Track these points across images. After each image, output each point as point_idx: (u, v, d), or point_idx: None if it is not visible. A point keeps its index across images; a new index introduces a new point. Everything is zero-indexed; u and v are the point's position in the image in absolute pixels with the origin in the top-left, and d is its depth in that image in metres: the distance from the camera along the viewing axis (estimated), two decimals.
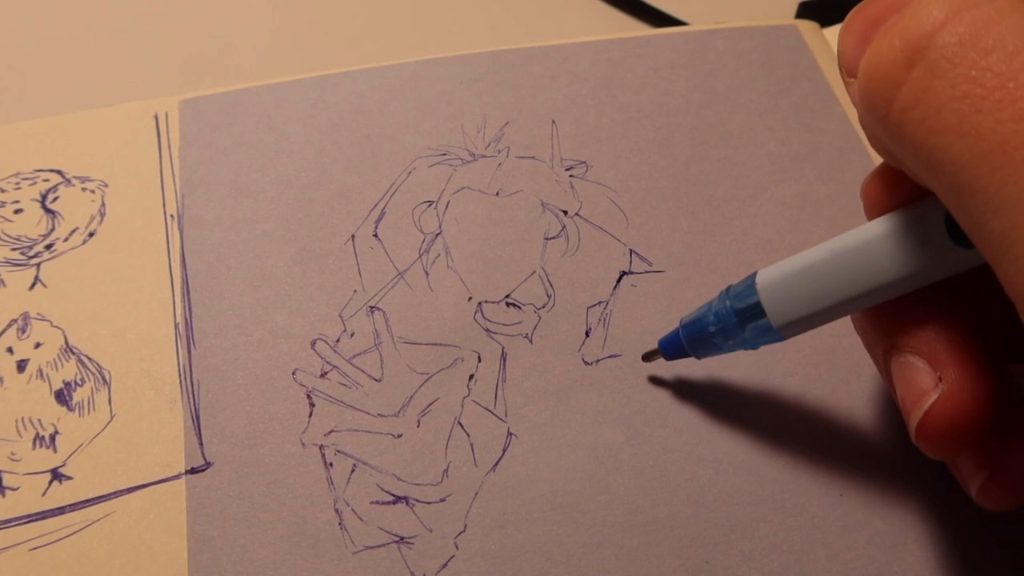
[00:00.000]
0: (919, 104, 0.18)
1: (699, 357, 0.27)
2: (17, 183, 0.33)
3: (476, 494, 0.27)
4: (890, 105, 0.19)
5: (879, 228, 0.22)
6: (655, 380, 0.29)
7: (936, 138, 0.18)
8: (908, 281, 0.22)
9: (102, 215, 0.32)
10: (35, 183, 0.33)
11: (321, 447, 0.28)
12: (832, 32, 0.38)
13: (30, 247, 0.32)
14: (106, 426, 0.28)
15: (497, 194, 0.33)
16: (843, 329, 0.29)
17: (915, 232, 0.21)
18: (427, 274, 0.31)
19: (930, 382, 0.22)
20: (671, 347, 0.27)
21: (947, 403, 0.21)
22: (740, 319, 0.25)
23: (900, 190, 0.22)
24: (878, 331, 0.24)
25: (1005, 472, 0.22)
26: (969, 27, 0.18)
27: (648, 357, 0.29)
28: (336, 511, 0.26)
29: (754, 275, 0.24)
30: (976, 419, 0.21)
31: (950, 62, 0.18)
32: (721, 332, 0.25)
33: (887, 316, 0.23)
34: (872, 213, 0.23)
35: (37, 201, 0.33)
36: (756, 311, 0.24)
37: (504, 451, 0.28)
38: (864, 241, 0.22)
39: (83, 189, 0.33)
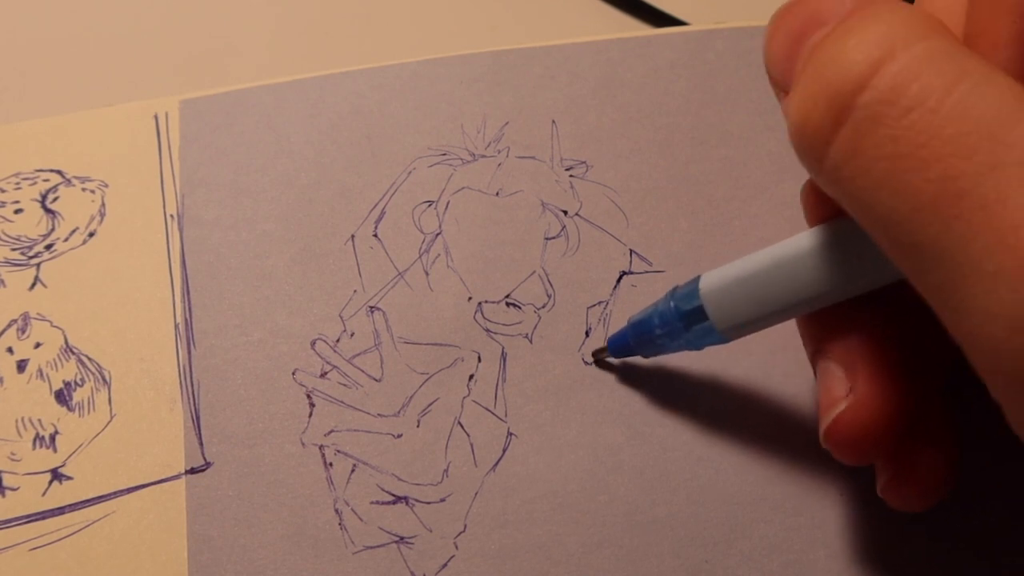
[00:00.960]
0: (848, 163, 0.18)
1: (646, 356, 0.27)
2: (17, 183, 0.33)
3: (476, 494, 0.27)
4: (822, 160, 0.19)
5: (818, 238, 0.22)
6: (646, 378, 0.29)
7: (868, 196, 0.18)
8: (843, 291, 0.22)
9: (102, 215, 0.32)
10: (35, 183, 0.33)
11: (321, 447, 0.28)
12: None
13: (30, 247, 0.32)
14: (106, 426, 0.28)
15: (497, 194, 0.33)
16: None
17: (851, 243, 0.21)
18: (427, 274, 0.31)
19: (842, 390, 0.22)
20: (619, 346, 0.28)
21: (853, 413, 0.22)
22: (684, 321, 0.25)
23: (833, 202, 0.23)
24: (808, 334, 0.25)
25: (911, 474, 0.23)
26: (890, 81, 0.17)
27: (597, 355, 0.29)
28: (336, 511, 0.27)
29: (698, 278, 0.25)
30: (880, 430, 0.22)
31: (874, 122, 0.18)
32: (666, 334, 0.26)
33: (816, 321, 0.24)
34: (811, 219, 0.24)
35: (37, 201, 0.33)
36: (700, 314, 0.24)
37: (504, 451, 0.28)
38: (804, 251, 0.22)
39: (83, 189, 0.33)
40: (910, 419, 0.22)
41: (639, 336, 0.27)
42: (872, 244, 0.20)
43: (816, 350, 0.24)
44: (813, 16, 0.20)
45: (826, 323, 0.24)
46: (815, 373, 0.24)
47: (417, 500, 0.27)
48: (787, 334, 0.29)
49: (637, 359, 0.28)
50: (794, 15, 0.21)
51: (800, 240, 0.22)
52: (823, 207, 0.23)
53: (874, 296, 0.22)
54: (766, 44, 0.22)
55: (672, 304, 0.25)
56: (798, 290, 0.22)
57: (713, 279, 0.24)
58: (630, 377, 0.28)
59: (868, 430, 0.22)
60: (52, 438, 0.28)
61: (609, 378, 0.29)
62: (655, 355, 0.27)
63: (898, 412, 0.22)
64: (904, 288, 0.21)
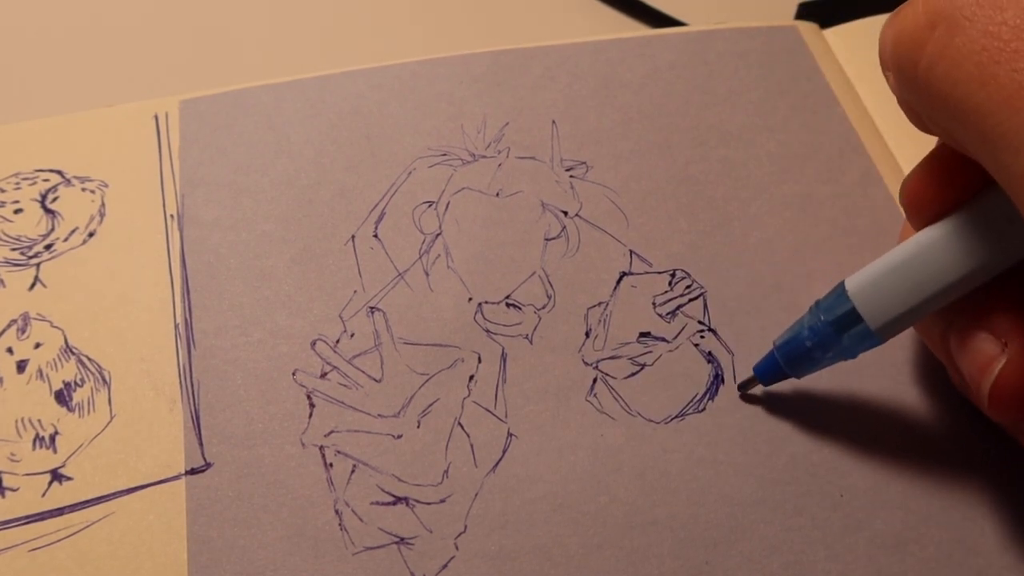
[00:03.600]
0: (942, 60, 0.20)
1: (799, 376, 0.27)
2: (17, 183, 0.33)
3: (476, 495, 0.27)
4: (917, 65, 0.20)
5: (957, 222, 0.23)
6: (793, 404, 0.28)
7: (959, 90, 0.19)
8: (993, 267, 0.22)
9: (102, 215, 0.32)
10: (35, 183, 0.33)
11: (321, 448, 0.28)
12: (832, 33, 0.38)
13: (30, 247, 0.32)
14: (106, 426, 0.28)
15: (497, 195, 0.33)
16: None
17: (994, 219, 0.22)
18: (427, 275, 0.31)
19: (996, 349, 0.23)
20: (768, 371, 0.28)
21: (1016, 364, 0.22)
22: (836, 329, 0.25)
23: (949, 181, 0.23)
24: (935, 315, 0.25)
25: None
26: None
27: (745, 387, 0.29)
28: (336, 512, 0.26)
29: (841, 285, 0.25)
30: None
31: (968, 20, 0.19)
32: (819, 346, 0.26)
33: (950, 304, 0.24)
34: (919, 212, 0.24)
35: (37, 201, 0.33)
36: (851, 319, 0.25)
37: (504, 452, 0.28)
38: (946, 235, 0.23)
39: (83, 189, 0.33)
40: None
41: (790, 356, 0.27)
42: (1013, 216, 0.21)
43: (948, 325, 0.24)
44: None
45: (958, 302, 0.24)
46: (943, 352, 0.25)
47: (417, 501, 0.27)
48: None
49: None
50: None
51: (937, 228, 0.23)
52: (938, 190, 0.23)
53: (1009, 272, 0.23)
54: (881, 34, 0.23)
55: (820, 315, 0.26)
56: (948, 272, 0.23)
57: (858, 280, 0.25)
58: (776, 407, 0.28)
59: None
60: (52, 438, 0.28)
61: (610, 378, 0.29)
62: (807, 373, 0.27)
63: None
64: None
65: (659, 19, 0.42)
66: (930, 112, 0.21)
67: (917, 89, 0.21)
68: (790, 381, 0.28)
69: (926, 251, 0.23)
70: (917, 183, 0.24)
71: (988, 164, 0.20)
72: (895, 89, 0.23)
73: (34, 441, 0.28)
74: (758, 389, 0.28)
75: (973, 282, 0.23)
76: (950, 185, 0.23)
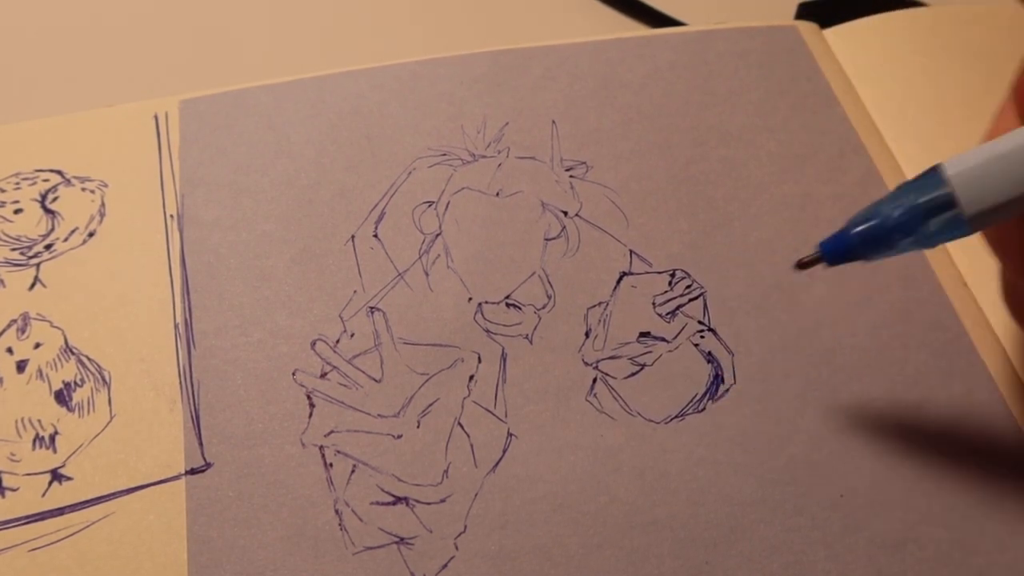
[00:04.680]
0: None
1: (869, 259, 0.25)
2: (17, 183, 0.33)
3: (476, 495, 0.27)
4: None
5: None
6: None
7: None
8: None
9: (102, 215, 0.32)
10: (35, 183, 0.33)
11: (321, 448, 0.28)
12: (832, 33, 0.38)
13: (30, 247, 0.32)
14: (106, 426, 0.28)
15: (497, 195, 0.33)
16: (845, 330, 0.30)
17: None
18: (427, 275, 0.31)
19: None
20: (838, 250, 0.25)
21: None
22: (925, 213, 0.23)
23: None
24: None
25: None
26: None
27: (805, 264, 0.26)
28: (336, 512, 0.26)
29: (935, 168, 0.23)
30: None
31: None
32: (900, 227, 0.24)
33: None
34: None
35: (37, 201, 0.33)
36: (941, 203, 0.23)
37: (504, 452, 0.28)
38: None
39: (83, 189, 0.33)
40: None
41: (867, 235, 0.25)
42: None
43: None
44: None
45: None
46: None
47: (417, 501, 0.27)
48: (788, 338, 0.29)
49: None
50: None
51: None
52: None
53: None
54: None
55: (909, 196, 0.24)
56: None
57: (960, 164, 0.23)
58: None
59: None
60: (52, 438, 0.28)
61: (610, 380, 0.29)
62: (880, 258, 0.25)
63: None
64: None
65: (659, 19, 0.42)
66: None
67: None
68: (791, 379, 0.27)
69: None
70: None
71: None
72: None
73: (34, 441, 0.28)
74: (817, 269, 0.26)
75: None
76: None
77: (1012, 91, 0.23)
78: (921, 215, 0.24)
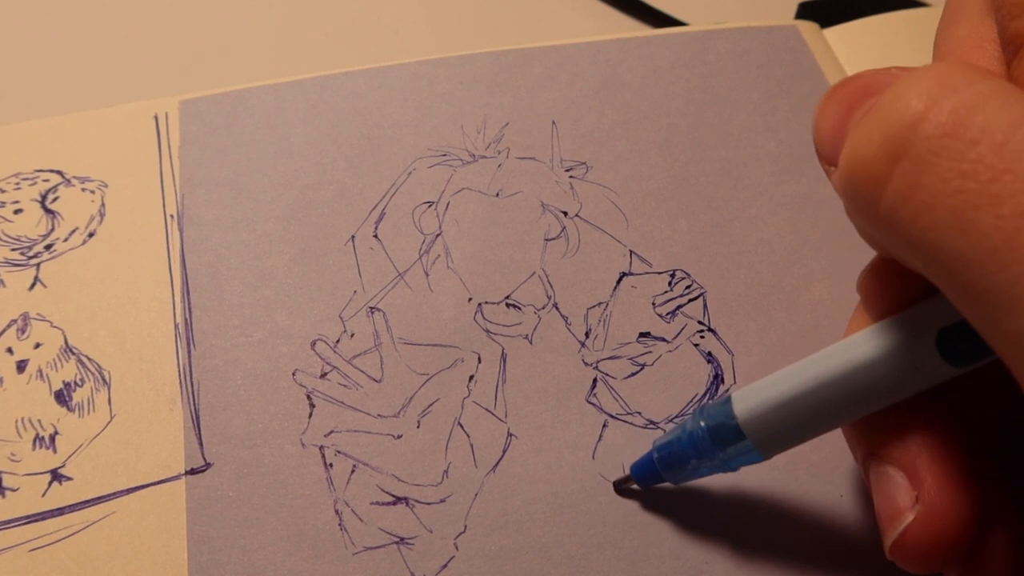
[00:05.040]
0: (909, 202, 0.17)
1: (676, 483, 0.26)
2: (17, 183, 0.33)
3: (476, 495, 0.27)
4: (877, 203, 0.18)
5: (865, 352, 0.20)
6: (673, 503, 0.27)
7: (933, 236, 0.17)
8: (894, 398, 0.21)
9: (102, 215, 0.32)
10: (35, 183, 0.33)
11: (321, 448, 0.28)
12: (832, 33, 0.38)
13: (30, 247, 0.32)
14: (106, 426, 0.28)
15: (497, 195, 0.33)
16: (844, 330, 0.30)
17: (906, 355, 0.20)
18: (427, 275, 0.31)
19: (907, 500, 0.20)
20: (645, 473, 0.26)
21: (924, 525, 0.20)
22: (718, 443, 0.23)
23: (898, 285, 0.21)
24: (857, 436, 0.23)
25: (986, 572, 0.21)
26: (951, 116, 0.16)
27: (620, 485, 0.27)
28: (336, 512, 0.26)
29: (729, 400, 0.23)
30: (955, 539, 0.20)
31: (936, 155, 0.16)
32: (698, 456, 0.24)
33: (866, 421, 0.22)
34: (870, 308, 0.22)
35: (37, 201, 0.33)
36: (736, 435, 0.23)
37: (504, 452, 0.28)
38: (850, 368, 0.21)
39: (83, 189, 0.33)
40: (985, 520, 0.20)
41: (669, 462, 0.25)
42: (934, 353, 0.19)
43: (869, 453, 0.22)
44: (867, 87, 0.19)
45: (877, 424, 0.22)
46: (867, 477, 0.22)
47: (417, 501, 0.27)
48: (788, 338, 0.29)
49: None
50: (847, 87, 0.20)
51: (851, 353, 0.21)
52: (886, 292, 0.21)
53: (927, 392, 0.21)
54: (817, 117, 0.20)
55: (703, 424, 0.23)
56: (851, 406, 0.21)
57: (749, 404, 0.22)
58: (655, 504, 0.27)
59: (942, 541, 0.20)
60: (52, 438, 0.28)
61: (610, 379, 0.29)
62: (685, 481, 0.26)
63: (972, 517, 0.20)
64: (955, 382, 0.20)
65: (660, 19, 0.42)
66: (895, 250, 0.18)
67: (878, 226, 0.18)
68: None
69: (825, 385, 0.21)
70: (867, 281, 0.22)
71: (968, 314, 0.17)
72: (848, 212, 0.20)
73: (34, 441, 0.28)
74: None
75: (875, 406, 0.21)
76: (897, 284, 0.21)
77: (860, 293, 0.23)
78: (713, 443, 0.23)
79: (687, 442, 0.24)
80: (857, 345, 0.21)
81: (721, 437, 0.23)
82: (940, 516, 0.20)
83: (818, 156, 0.21)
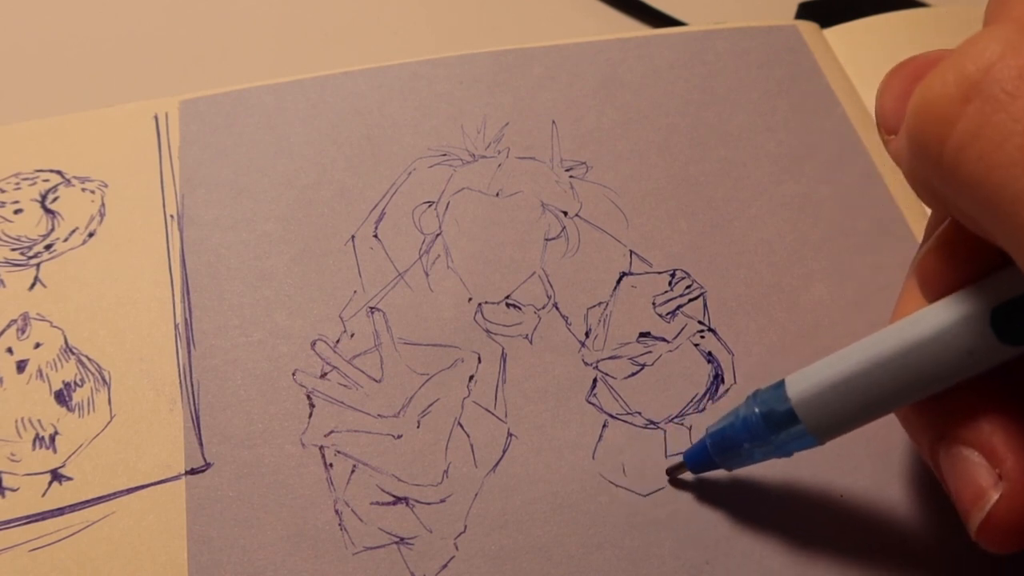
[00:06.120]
0: (977, 140, 0.17)
1: (730, 469, 0.26)
2: (17, 183, 0.33)
3: (476, 495, 0.27)
4: (944, 143, 0.18)
5: (918, 333, 0.21)
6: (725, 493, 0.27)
7: (998, 175, 0.17)
8: (952, 381, 0.21)
9: (102, 215, 0.32)
10: (35, 183, 0.33)
11: (321, 448, 0.28)
12: (832, 33, 0.38)
13: (30, 247, 0.32)
14: (106, 426, 0.28)
15: (497, 195, 0.33)
16: (844, 330, 0.30)
17: (959, 335, 0.20)
18: (427, 275, 0.31)
19: (989, 479, 0.20)
20: (698, 460, 0.26)
21: (1012, 502, 0.20)
22: (772, 427, 0.23)
23: (957, 266, 0.21)
24: (923, 421, 0.22)
25: None
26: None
27: (673, 472, 0.27)
28: (336, 512, 0.26)
29: (782, 384, 0.23)
30: None
31: (1010, 95, 0.17)
32: (752, 441, 0.24)
33: (933, 405, 0.22)
34: (927, 290, 0.22)
35: (37, 201, 0.33)
36: (789, 419, 0.23)
37: (504, 452, 0.28)
38: (903, 350, 0.21)
39: (83, 189, 0.33)
40: None
41: (722, 447, 0.25)
42: (989, 333, 0.19)
43: (938, 436, 0.22)
44: (933, 60, 0.19)
45: (945, 406, 0.21)
46: (935, 463, 0.22)
47: (417, 501, 0.27)
48: (788, 338, 0.29)
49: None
50: (912, 62, 0.20)
51: (904, 334, 0.21)
52: (946, 271, 0.21)
53: (994, 369, 0.20)
54: (880, 89, 0.21)
55: (756, 410, 0.23)
56: (906, 388, 0.21)
57: (803, 387, 0.22)
58: (709, 495, 0.27)
59: None
60: (52, 438, 0.28)
61: (610, 379, 0.29)
62: (739, 467, 0.26)
63: None
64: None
65: (659, 19, 0.42)
66: (956, 196, 0.19)
67: (942, 170, 0.18)
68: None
69: (879, 366, 0.21)
70: (927, 260, 0.22)
71: (1022, 260, 0.17)
72: (906, 162, 0.20)
73: (34, 441, 0.28)
74: (689, 475, 0.27)
75: (930, 393, 0.21)
76: (957, 264, 0.21)
77: (914, 271, 0.23)
78: (767, 427, 0.23)
79: (740, 427, 0.24)
80: (910, 326, 0.21)
81: (775, 421, 0.23)
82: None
83: (878, 127, 0.21)
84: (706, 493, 0.27)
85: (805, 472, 0.27)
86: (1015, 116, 0.17)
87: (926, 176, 0.19)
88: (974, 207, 0.18)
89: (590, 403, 0.28)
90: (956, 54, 0.18)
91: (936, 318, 0.20)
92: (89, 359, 0.29)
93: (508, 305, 0.30)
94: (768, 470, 0.27)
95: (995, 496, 0.20)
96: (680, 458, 0.27)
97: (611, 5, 0.43)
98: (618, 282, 0.31)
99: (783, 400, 0.23)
